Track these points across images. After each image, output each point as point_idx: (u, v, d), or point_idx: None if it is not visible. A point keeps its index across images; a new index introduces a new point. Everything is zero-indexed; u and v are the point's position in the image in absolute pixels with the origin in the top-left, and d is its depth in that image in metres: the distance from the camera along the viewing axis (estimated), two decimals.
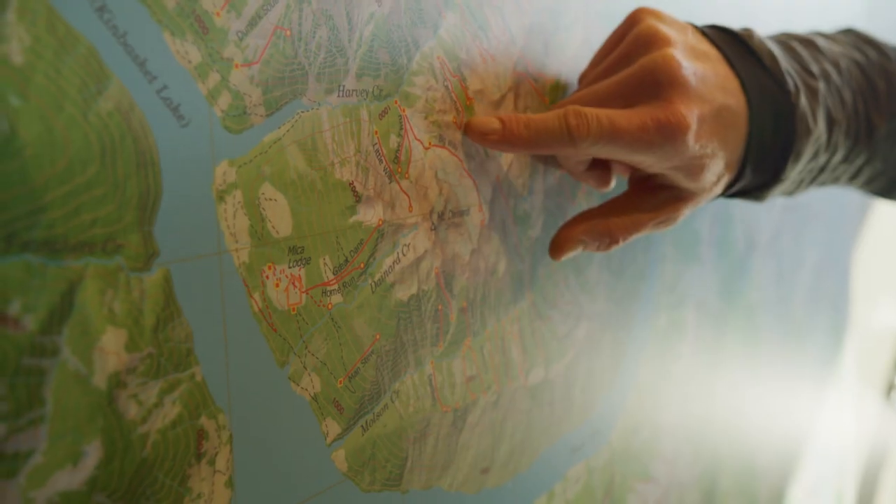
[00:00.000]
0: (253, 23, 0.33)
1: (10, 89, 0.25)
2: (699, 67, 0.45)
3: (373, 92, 0.39)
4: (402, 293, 0.41)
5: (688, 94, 0.43)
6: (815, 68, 0.52)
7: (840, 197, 1.09)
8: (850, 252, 1.17)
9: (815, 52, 0.54)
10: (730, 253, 0.79)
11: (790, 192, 0.56)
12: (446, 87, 0.43)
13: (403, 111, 0.41)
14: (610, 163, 0.52)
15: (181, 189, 0.30)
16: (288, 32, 0.34)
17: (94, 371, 0.28)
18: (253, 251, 0.33)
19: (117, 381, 0.29)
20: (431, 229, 0.43)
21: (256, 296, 0.34)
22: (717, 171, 0.46)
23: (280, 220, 0.34)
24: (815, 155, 0.52)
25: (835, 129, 0.52)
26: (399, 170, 0.40)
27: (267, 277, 0.34)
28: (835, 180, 0.59)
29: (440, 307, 0.44)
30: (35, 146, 0.26)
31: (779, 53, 0.50)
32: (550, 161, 0.52)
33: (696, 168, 0.45)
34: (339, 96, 0.37)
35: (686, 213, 0.48)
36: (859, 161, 0.57)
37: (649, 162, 0.44)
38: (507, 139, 0.43)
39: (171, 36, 0.30)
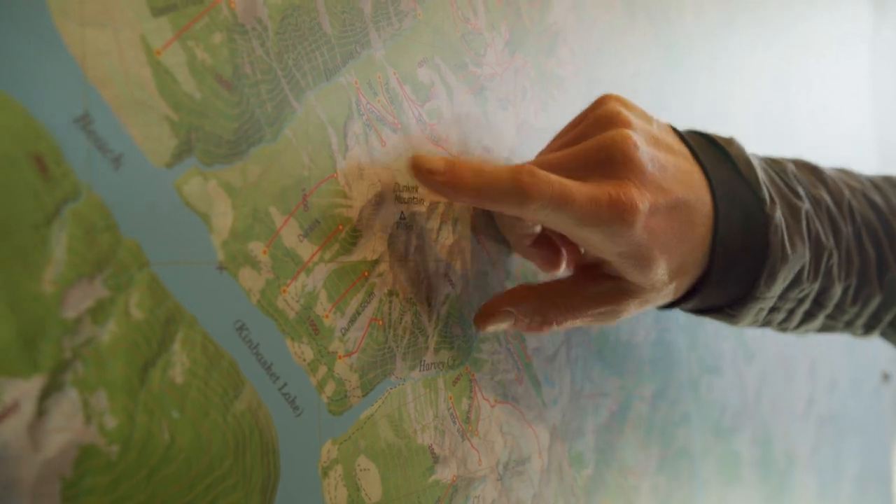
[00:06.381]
0: (353, 318, 0.39)
1: (172, 406, 0.30)
2: (659, 155, 0.43)
3: (447, 363, 0.44)
4: None
5: (642, 178, 0.41)
6: (801, 190, 0.49)
7: (874, 403, 1.11)
8: (890, 457, 1.17)
9: (813, 178, 0.51)
10: (771, 471, 0.82)
11: (783, 326, 0.52)
12: (508, 349, 0.48)
13: (473, 376, 0.46)
14: (558, 244, 0.49)
15: (295, 471, 0.35)
16: (380, 322, 0.40)
17: None
18: None
19: None
20: (498, 479, 0.47)
21: None
22: (668, 269, 0.43)
23: (372, 487, 0.39)
24: (798, 279, 0.48)
25: (824, 256, 0.48)
26: (470, 428, 0.45)
27: None
28: (847, 325, 0.55)
29: None
30: (187, 450, 0.31)
31: (758, 165, 0.47)
32: (493, 232, 0.49)
33: (644, 259, 0.42)
34: (420, 371, 0.42)
35: (632, 308, 0.45)
36: (872, 305, 0.53)
37: (595, 240, 0.41)
38: (452, 182, 0.39)
39: (291, 341, 0.35)
